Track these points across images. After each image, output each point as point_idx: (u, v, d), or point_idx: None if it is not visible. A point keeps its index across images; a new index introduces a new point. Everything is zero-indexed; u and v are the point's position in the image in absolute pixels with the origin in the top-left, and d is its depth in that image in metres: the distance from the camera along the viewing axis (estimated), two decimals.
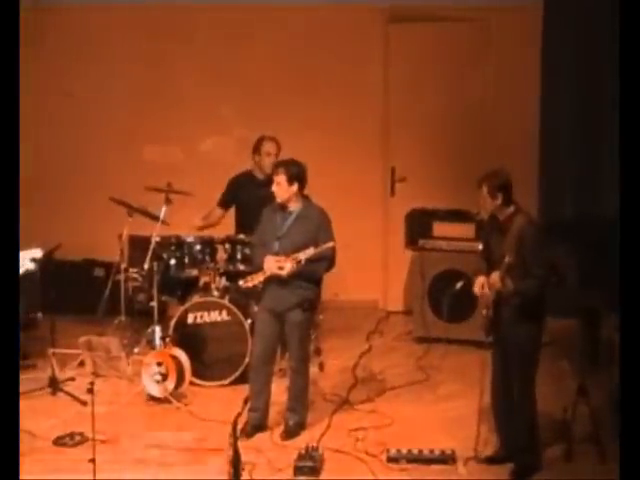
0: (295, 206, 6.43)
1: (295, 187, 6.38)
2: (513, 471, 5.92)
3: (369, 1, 8.82)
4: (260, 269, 6.41)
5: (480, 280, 5.82)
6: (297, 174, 6.40)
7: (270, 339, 6.49)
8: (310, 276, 6.38)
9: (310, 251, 6.24)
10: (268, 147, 7.67)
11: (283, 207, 6.43)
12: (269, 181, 7.15)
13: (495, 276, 5.69)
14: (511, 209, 5.79)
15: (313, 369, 7.45)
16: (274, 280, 6.35)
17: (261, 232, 6.56)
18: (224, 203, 7.80)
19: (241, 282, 6.60)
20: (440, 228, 8.39)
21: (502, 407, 5.99)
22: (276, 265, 6.30)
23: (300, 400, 6.55)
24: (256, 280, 6.44)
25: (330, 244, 6.31)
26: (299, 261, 6.24)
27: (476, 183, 5.82)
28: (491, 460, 6.08)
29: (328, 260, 6.40)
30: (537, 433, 5.93)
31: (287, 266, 6.27)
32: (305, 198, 6.52)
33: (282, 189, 6.36)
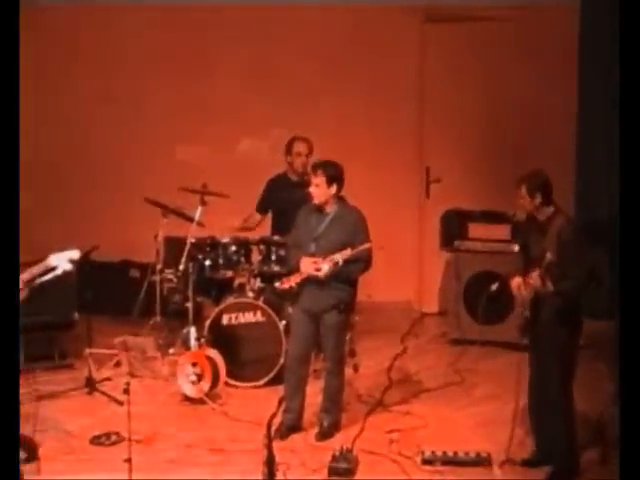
0: (331, 207, 6.40)
1: (334, 188, 6.36)
2: (550, 474, 5.88)
3: (405, 2, 8.78)
4: (296, 270, 6.40)
5: (517, 280, 5.79)
6: (336, 175, 6.37)
7: (306, 340, 6.49)
8: (346, 277, 6.37)
9: (347, 252, 6.23)
10: (299, 147, 7.67)
11: (320, 208, 6.41)
12: (303, 182, 7.17)
13: (535, 275, 5.65)
14: (551, 209, 5.75)
15: (348, 370, 7.44)
16: (310, 281, 6.35)
17: (297, 233, 6.55)
18: (262, 208, 7.81)
19: (277, 284, 6.60)
20: (475, 229, 8.36)
21: (539, 409, 5.95)
22: (313, 266, 6.29)
23: (335, 401, 6.54)
24: (293, 281, 6.42)
25: (367, 245, 6.29)
26: (336, 262, 6.23)
27: (515, 183, 5.79)
28: (527, 463, 6.04)
29: (364, 261, 6.38)
30: (574, 436, 5.89)
31: (324, 267, 6.25)
32: (341, 199, 6.50)
33: (321, 190, 6.33)
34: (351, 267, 6.31)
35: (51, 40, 9.26)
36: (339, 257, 6.22)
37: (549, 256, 5.55)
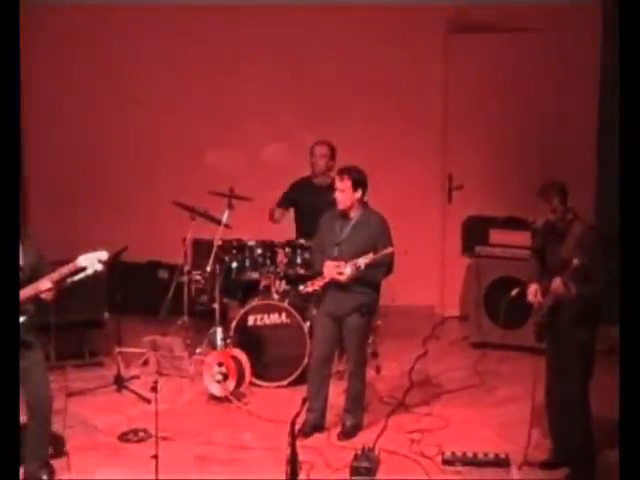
0: (355, 212, 6.41)
1: (359, 193, 6.37)
2: (568, 476, 5.86)
3: (430, 13, 8.77)
4: (320, 274, 6.42)
5: (534, 287, 5.79)
6: (361, 180, 6.39)
7: (329, 342, 6.50)
8: (369, 281, 6.37)
9: (369, 257, 6.23)
10: (321, 149, 7.68)
11: (343, 214, 6.42)
12: (327, 187, 7.18)
13: (558, 281, 5.64)
14: (570, 215, 5.76)
15: (370, 372, 7.44)
16: (333, 285, 6.36)
17: (320, 238, 6.56)
18: (282, 202, 7.80)
19: (301, 287, 6.61)
20: (496, 235, 8.33)
21: (557, 411, 5.94)
22: (336, 270, 6.30)
23: (357, 402, 6.55)
24: (316, 285, 6.44)
25: (389, 250, 6.29)
26: (358, 267, 6.24)
27: (537, 192, 5.78)
28: (545, 465, 6.03)
29: (387, 266, 6.38)
30: (592, 438, 5.86)
31: (347, 271, 6.26)
32: (364, 204, 6.51)
33: (347, 195, 6.34)
34: (374, 271, 6.31)
35: (74, 40, 9.26)
36: (362, 261, 6.23)
37: (576, 262, 5.54)
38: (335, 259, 6.34)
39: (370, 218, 6.47)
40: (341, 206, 6.39)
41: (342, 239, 6.39)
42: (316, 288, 6.46)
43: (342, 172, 6.42)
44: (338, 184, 6.38)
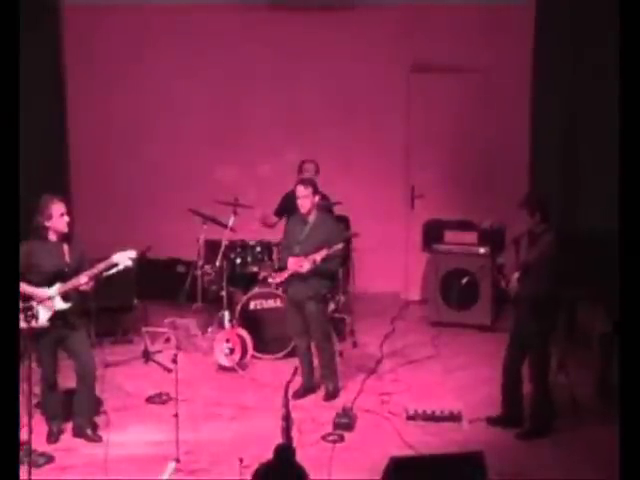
0: (312, 216, 6.41)
1: (316, 198, 6.40)
2: (524, 432, 5.80)
3: (397, 58, 8.77)
4: (286, 268, 6.44)
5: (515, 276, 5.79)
6: (317, 188, 6.45)
7: (295, 322, 6.51)
8: (325, 272, 6.37)
9: (323, 252, 6.25)
10: (308, 167, 7.65)
11: (304, 218, 6.41)
12: None
13: (515, 278, 5.72)
14: (544, 226, 5.73)
15: (347, 346, 7.49)
16: (296, 276, 6.36)
17: (287, 238, 6.56)
18: (278, 213, 7.82)
19: (270, 279, 6.64)
20: (450, 235, 8.33)
21: (512, 378, 5.91)
22: (297, 264, 6.32)
23: (329, 369, 6.51)
24: (282, 277, 6.47)
25: (339, 246, 6.30)
26: (315, 261, 6.25)
27: (518, 203, 5.78)
28: (490, 420, 6.02)
29: (340, 258, 6.42)
30: (545, 400, 5.84)
31: (305, 265, 6.29)
32: (319, 208, 6.49)
33: (309, 200, 6.35)
34: (328, 264, 6.32)
35: (116, 43, 8.96)
36: (317, 257, 6.25)
37: (532, 262, 5.60)
38: (297, 255, 6.34)
39: (325, 220, 6.48)
40: (304, 210, 6.37)
41: (302, 239, 6.38)
42: (282, 279, 6.48)
43: (304, 182, 6.48)
44: (302, 192, 6.36)
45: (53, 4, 8.88)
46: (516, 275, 5.72)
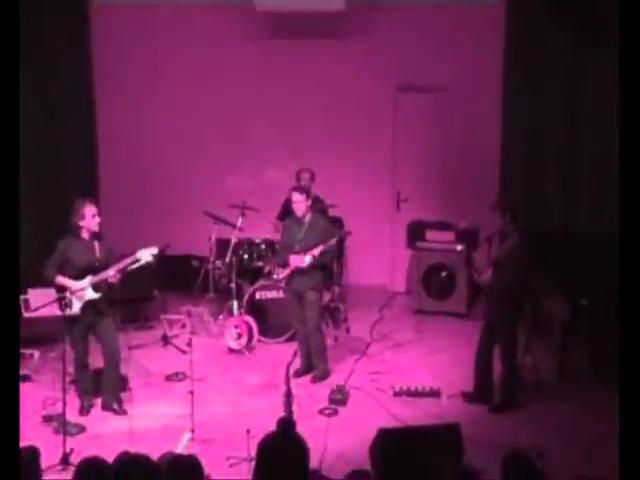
0: (307, 217, 6.43)
1: (309, 202, 6.42)
2: (493, 406, 5.82)
3: (384, 79, 8.77)
4: (285, 265, 6.43)
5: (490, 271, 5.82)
6: (309, 193, 6.47)
7: (296, 309, 6.51)
8: (322, 264, 6.41)
9: (319, 248, 6.28)
10: (304, 175, 7.62)
11: (300, 219, 6.43)
12: None
13: (488, 272, 5.75)
14: (511, 227, 5.76)
15: (341, 332, 7.49)
16: (296, 270, 6.38)
17: (285, 238, 6.55)
18: (281, 217, 7.82)
19: (274, 276, 6.65)
20: (431, 234, 8.33)
21: (486, 358, 5.92)
22: (299, 260, 6.32)
23: (319, 356, 6.49)
24: (285, 273, 6.45)
25: (333, 241, 6.32)
26: (314, 256, 6.27)
27: (491, 206, 5.83)
28: (468, 396, 6.02)
29: (332, 251, 6.44)
30: (513, 378, 5.85)
31: (306, 260, 6.30)
32: (311, 209, 6.49)
33: (304, 205, 6.37)
34: (323, 258, 6.35)
35: (148, 48, 8.80)
36: (316, 252, 6.27)
37: (502, 257, 5.63)
38: (297, 253, 6.36)
39: (318, 220, 6.49)
40: (300, 213, 6.39)
41: (300, 238, 6.39)
42: (285, 275, 6.46)
43: (298, 189, 6.49)
44: (297, 197, 6.37)
45: (83, 10, 8.66)
46: (490, 270, 5.75)
